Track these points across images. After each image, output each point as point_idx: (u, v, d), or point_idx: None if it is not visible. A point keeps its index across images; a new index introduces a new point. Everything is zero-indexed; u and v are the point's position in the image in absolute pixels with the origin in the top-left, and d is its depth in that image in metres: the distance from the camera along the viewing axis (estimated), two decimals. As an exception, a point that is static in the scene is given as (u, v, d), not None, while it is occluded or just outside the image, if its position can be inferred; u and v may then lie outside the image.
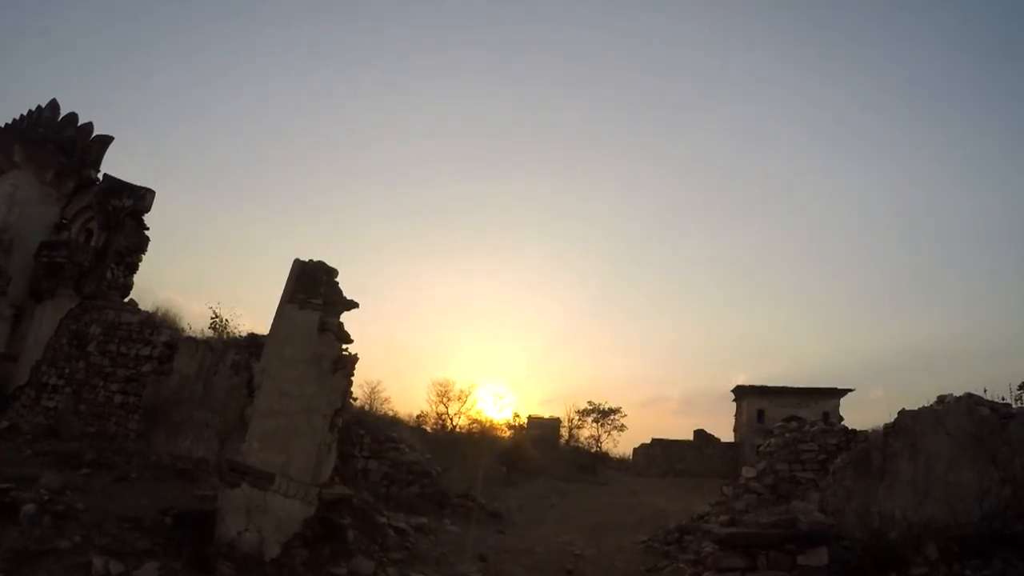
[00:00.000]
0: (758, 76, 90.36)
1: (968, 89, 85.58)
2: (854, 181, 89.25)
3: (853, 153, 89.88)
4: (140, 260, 12.93)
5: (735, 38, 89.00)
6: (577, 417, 47.35)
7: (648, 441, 36.48)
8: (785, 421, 12.21)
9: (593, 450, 44.09)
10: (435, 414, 38.73)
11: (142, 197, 12.71)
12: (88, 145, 13.40)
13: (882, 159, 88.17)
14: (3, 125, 13.32)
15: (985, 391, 9.22)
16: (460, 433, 30.83)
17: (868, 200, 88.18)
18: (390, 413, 23.85)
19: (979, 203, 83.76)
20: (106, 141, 13.75)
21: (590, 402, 47.59)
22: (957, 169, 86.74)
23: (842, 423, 13.45)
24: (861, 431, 10.34)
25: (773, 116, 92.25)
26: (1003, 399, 9.06)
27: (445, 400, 39.48)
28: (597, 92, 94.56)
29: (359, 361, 7.36)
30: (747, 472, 10.97)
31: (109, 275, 12.37)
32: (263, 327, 9.19)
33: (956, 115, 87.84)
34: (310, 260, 7.28)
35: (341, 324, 7.13)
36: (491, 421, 36.95)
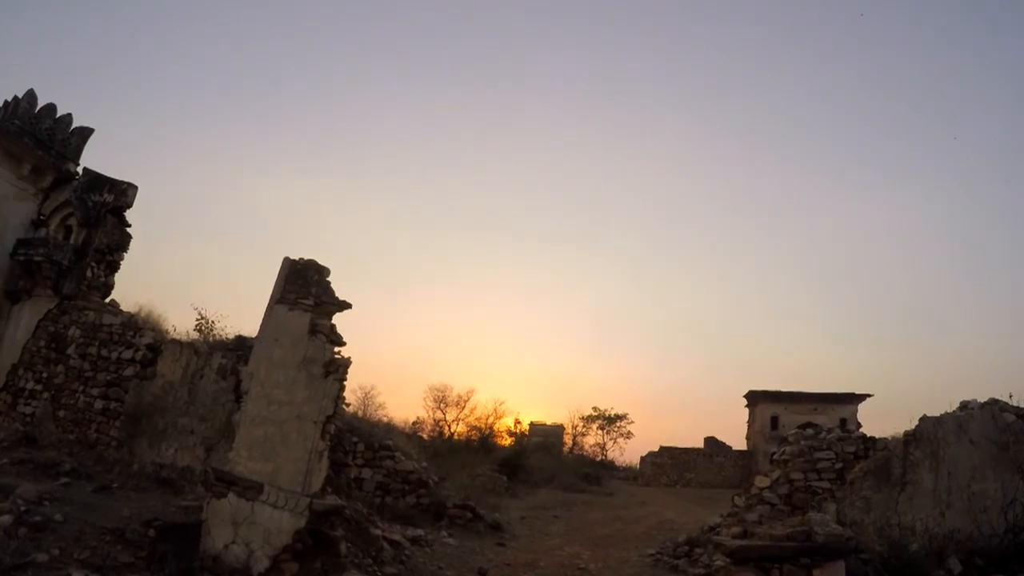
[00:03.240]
0: (776, 77, 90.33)
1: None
2: (873, 186, 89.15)
3: (867, 156, 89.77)
4: (122, 259, 12.93)
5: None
6: (581, 423, 47.40)
7: (656, 449, 36.48)
8: (800, 428, 12.19)
9: (598, 458, 44.14)
10: (432, 420, 38.81)
11: (124, 192, 12.70)
12: (67, 137, 13.41)
13: (900, 164, 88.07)
14: (-23, 117, 13.33)
15: (1011, 396, 9.23)
16: (458, 440, 30.88)
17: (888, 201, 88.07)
18: (385, 420, 23.85)
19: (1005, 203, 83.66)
20: (86, 133, 13.76)
21: (595, 408, 47.68)
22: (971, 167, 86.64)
23: (860, 430, 13.43)
24: (880, 439, 10.32)
25: (783, 120, 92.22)
26: (1030, 405, 9.05)
27: (443, 406, 39.55)
28: (605, 91, 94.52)
29: (352, 365, 7.36)
30: (760, 481, 10.94)
31: (89, 274, 12.37)
32: (251, 329, 9.21)
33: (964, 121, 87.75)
34: (301, 258, 7.28)
35: (333, 326, 7.13)
36: (491, 428, 36.99)
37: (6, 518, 5.99)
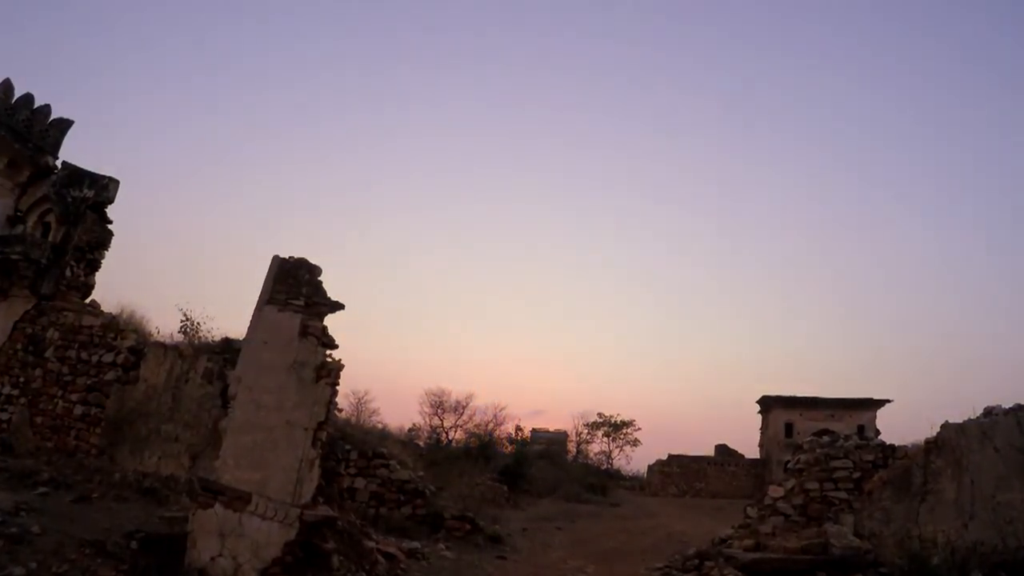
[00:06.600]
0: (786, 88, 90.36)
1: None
2: (887, 185, 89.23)
3: (881, 156, 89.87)
4: (103, 257, 12.92)
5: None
6: (586, 430, 47.36)
7: (664, 457, 36.46)
8: (816, 435, 12.20)
9: (604, 467, 44.10)
10: (429, 427, 38.83)
11: (105, 187, 12.70)
12: (45, 130, 13.40)
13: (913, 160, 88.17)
14: (-49, 108, 13.32)
15: (1038, 402, 9.20)
16: (456, 448, 30.86)
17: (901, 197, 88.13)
18: (379, 426, 23.96)
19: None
20: (65, 125, 13.75)
21: (600, 414, 47.62)
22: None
23: (879, 437, 13.43)
24: (900, 447, 10.33)
25: (800, 121, 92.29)
26: (1058, 411, 9.03)
27: (440, 412, 39.58)
28: (611, 87, 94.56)
29: (345, 369, 7.36)
30: (774, 491, 10.96)
31: (68, 273, 12.37)
32: (239, 331, 9.22)
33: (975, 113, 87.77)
34: (291, 257, 7.28)
35: (325, 328, 7.13)
36: (491, 435, 36.99)
37: (-19, 530, 5.99)
